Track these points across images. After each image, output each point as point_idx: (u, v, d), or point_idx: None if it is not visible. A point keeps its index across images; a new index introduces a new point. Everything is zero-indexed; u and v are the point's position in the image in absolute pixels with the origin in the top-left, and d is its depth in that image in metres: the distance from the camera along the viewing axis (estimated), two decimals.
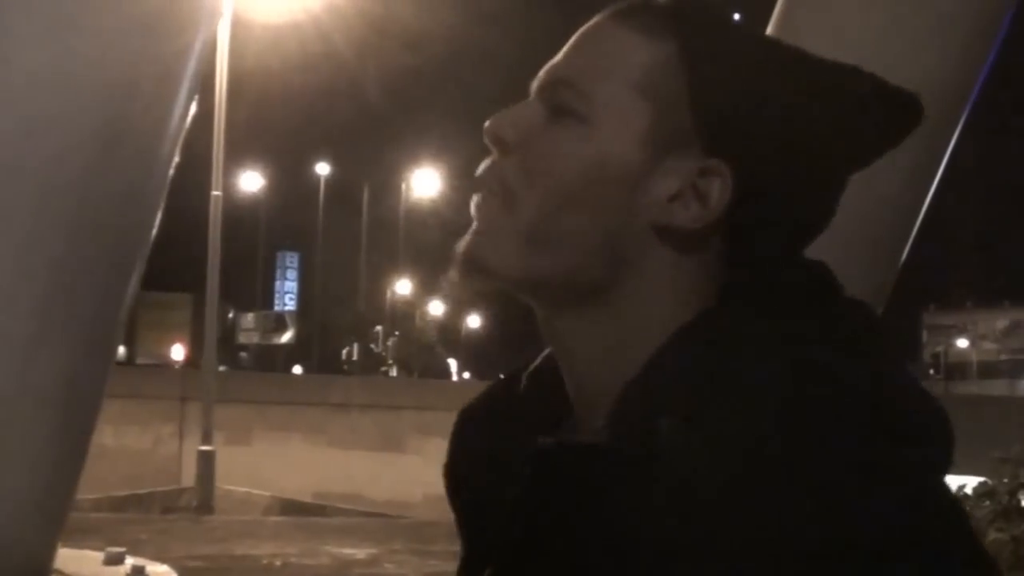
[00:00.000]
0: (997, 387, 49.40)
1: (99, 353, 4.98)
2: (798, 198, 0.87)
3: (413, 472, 22.70)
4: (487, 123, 0.90)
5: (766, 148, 0.85)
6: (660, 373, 0.81)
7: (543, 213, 0.87)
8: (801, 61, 0.88)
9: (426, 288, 58.39)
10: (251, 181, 50.11)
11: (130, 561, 9.18)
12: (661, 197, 0.85)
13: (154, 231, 5.06)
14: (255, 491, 19.60)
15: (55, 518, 5.04)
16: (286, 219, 56.80)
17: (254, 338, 50.40)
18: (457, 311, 62.24)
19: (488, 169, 0.91)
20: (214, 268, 18.87)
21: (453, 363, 58.42)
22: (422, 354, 51.61)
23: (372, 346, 49.49)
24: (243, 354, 49.15)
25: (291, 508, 18.92)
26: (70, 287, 4.59)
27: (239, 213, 43.11)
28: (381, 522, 16.67)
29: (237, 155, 37.53)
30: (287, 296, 61.51)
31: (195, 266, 21.00)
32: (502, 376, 1.02)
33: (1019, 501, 9.16)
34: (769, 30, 5.69)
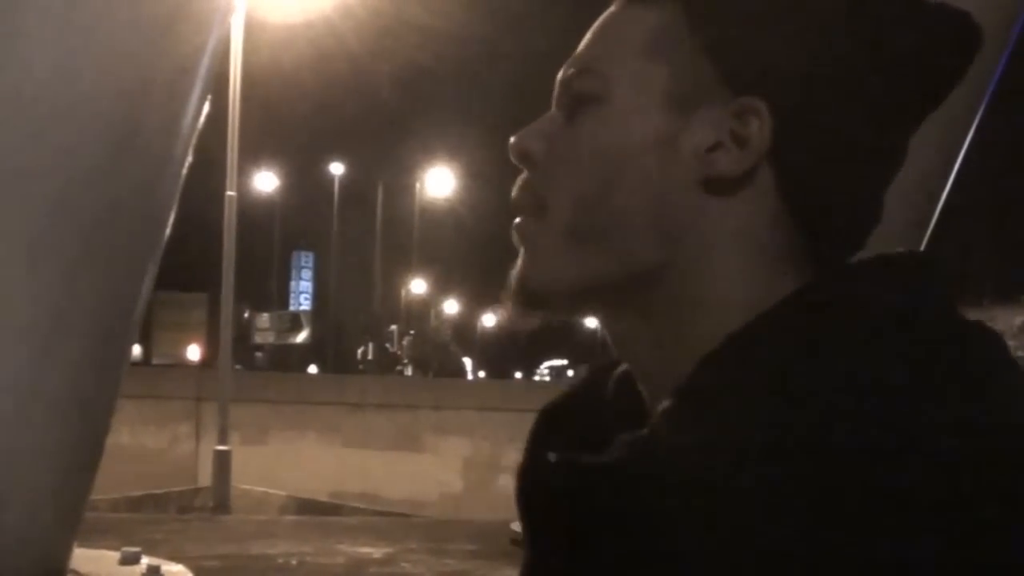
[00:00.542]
0: None
1: (114, 353, 4.99)
2: (846, 125, 0.81)
3: (429, 471, 22.73)
4: (511, 141, 0.87)
5: (795, 73, 0.80)
6: (694, 394, 0.75)
7: (579, 206, 0.82)
8: None
9: (440, 287, 58.48)
10: (265, 181, 50.24)
11: (146, 561, 9.20)
12: (699, 149, 0.81)
13: (167, 230, 5.06)
14: (271, 491, 19.64)
15: (71, 518, 5.05)
16: (301, 219, 56.96)
17: (269, 338, 50.47)
18: (472, 310, 62.29)
19: (518, 187, 0.87)
20: (229, 268, 18.90)
21: (468, 362, 58.46)
22: (437, 353, 51.66)
23: (387, 345, 49.55)
24: (258, 354, 49.22)
25: (307, 507, 18.95)
26: (83, 287, 4.60)
27: (254, 213, 43.21)
28: (397, 521, 16.67)
29: (251, 155, 37.63)
30: (302, 296, 61.61)
31: (210, 266, 21.04)
32: (586, 374, 0.96)
33: None
34: None
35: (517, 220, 0.86)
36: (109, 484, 10.67)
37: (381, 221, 51.02)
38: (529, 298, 0.85)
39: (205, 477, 19.41)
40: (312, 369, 43.29)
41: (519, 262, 0.85)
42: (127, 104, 4.63)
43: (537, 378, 56.94)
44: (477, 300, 62.47)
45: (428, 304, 56.69)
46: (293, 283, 62.31)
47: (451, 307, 62.14)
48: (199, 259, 26.12)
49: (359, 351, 49.28)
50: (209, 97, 5.10)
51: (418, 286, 55.52)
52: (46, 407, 4.61)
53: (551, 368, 63.72)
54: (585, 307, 0.86)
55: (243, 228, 20.65)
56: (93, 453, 5.01)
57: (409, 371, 46.24)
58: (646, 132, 0.82)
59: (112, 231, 4.68)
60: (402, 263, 53.23)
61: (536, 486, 0.80)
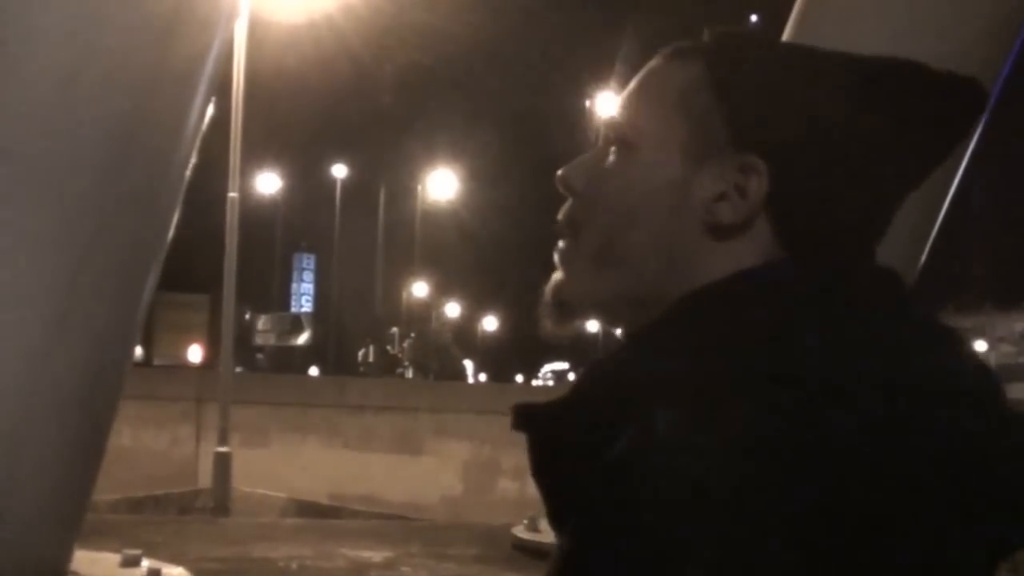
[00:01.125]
0: (1017, 390, 48.94)
1: (117, 354, 4.99)
2: (835, 186, 0.93)
3: (429, 474, 22.71)
4: (558, 173, 1.02)
5: (793, 137, 0.92)
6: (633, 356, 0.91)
7: (605, 235, 0.97)
8: (817, 56, 0.95)
9: (442, 289, 58.45)
10: (268, 183, 50.21)
11: (146, 563, 9.20)
12: (707, 199, 0.94)
13: (171, 232, 5.07)
14: (271, 492, 19.62)
15: (72, 520, 5.05)
16: (303, 221, 56.92)
17: (270, 339, 50.43)
18: (473, 313, 62.28)
19: (562, 213, 1.02)
20: (231, 269, 18.89)
21: (469, 365, 58.43)
22: (438, 356, 51.63)
23: (388, 348, 49.52)
24: (259, 355, 49.19)
25: (307, 510, 18.94)
26: (86, 288, 4.60)
27: (256, 215, 43.17)
28: (397, 524, 16.67)
29: (254, 157, 37.63)
30: (303, 298, 61.60)
31: (212, 267, 21.04)
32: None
33: None
34: (788, 31, 5.67)
35: (559, 243, 1.01)
36: (109, 485, 10.66)
37: (383, 223, 51.03)
38: (561, 308, 1.00)
39: (205, 479, 19.39)
40: (313, 371, 43.27)
41: (555, 277, 1.01)
42: (131, 107, 4.64)
43: (540, 382, 56.88)
44: (478, 303, 62.51)
45: (429, 307, 56.65)
46: (294, 285, 62.29)
47: (452, 310, 62.11)
48: (200, 260, 26.11)
49: (360, 353, 49.25)
50: (213, 99, 5.10)
51: (419, 288, 55.49)
52: (48, 408, 4.61)
53: (553, 372, 63.69)
54: (606, 317, 1.01)
55: (245, 229, 20.65)
56: (95, 454, 5.02)
57: (410, 374, 46.21)
58: (664, 179, 0.96)
59: (116, 233, 4.69)
60: (404, 265, 53.23)
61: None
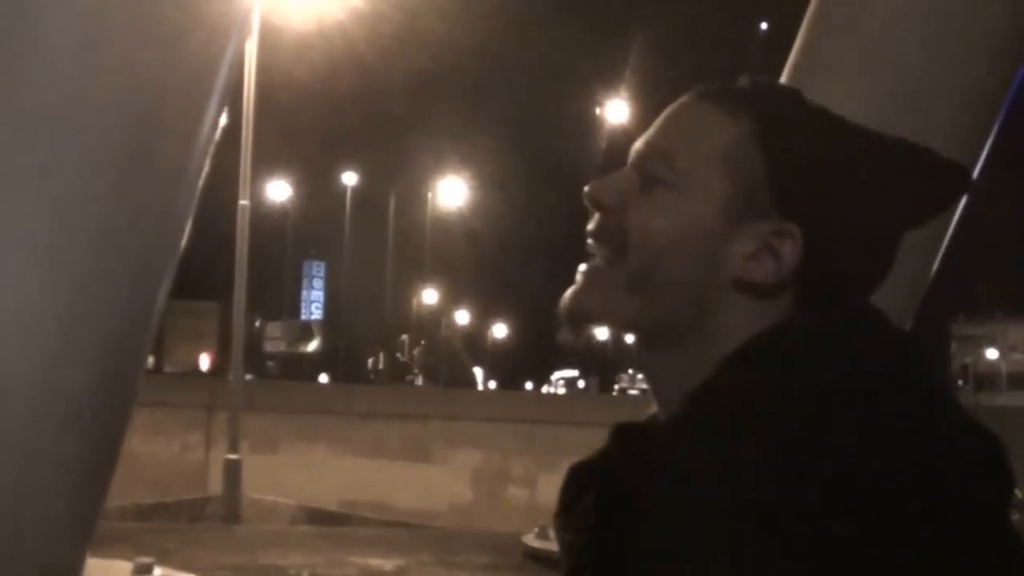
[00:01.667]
0: None
1: (129, 363, 5.00)
2: (861, 253, 1.01)
3: (439, 481, 22.71)
4: (587, 188, 1.05)
5: (831, 212, 0.99)
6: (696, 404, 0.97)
7: (642, 267, 1.01)
8: (863, 136, 1.02)
9: (452, 296, 58.44)
10: (278, 191, 50.31)
11: (158, 571, 9.20)
12: (740, 256, 1.00)
13: (183, 241, 5.08)
14: (281, 500, 19.63)
15: (84, 528, 5.06)
16: (313, 228, 57.02)
17: (280, 347, 50.52)
18: (483, 320, 62.23)
19: (596, 226, 1.05)
20: (241, 277, 18.92)
21: (479, 372, 58.43)
22: (448, 363, 51.63)
23: (398, 355, 49.57)
24: (270, 363, 49.27)
25: (317, 517, 18.94)
26: (99, 298, 4.62)
27: (266, 222, 43.25)
28: (407, 532, 16.66)
29: (264, 165, 37.70)
30: (314, 305, 61.70)
31: (222, 275, 21.07)
32: (610, 434, 1.12)
33: None
34: (794, 53, 5.66)
35: (591, 261, 1.05)
36: (119, 492, 10.68)
37: (393, 230, 51.09)
38: (582, 320, 1.05)
39: (215, 486, 19.40)
40: (323, 378, 43.30)
41: (575, 289, 1.05)
42: (144, 116, 4.65)
43: (553, 389, 56.83)
44: (488, 310, 62.48)
45: (439, 314, 56.67)
46: (304, 292, 62.40)
47: (462, 317, 62.11)
48: (211, 268, 26.15)
49: (370, 361, 49.29)
50: (226, 108, 5.12)
51: (429, 296, 55.52)
52: (62, 416, 4.63)
53: (563, 379, 63.64)
54: (623, 330, 1.06)
55: (255, 237, 20.67)
56: (108, 462, 5.02)
57: (420, 381, 46.22)
58: (702, 229, 1.00)
59: (129, 242, 4.70)
60: (413, 273, 53.27)
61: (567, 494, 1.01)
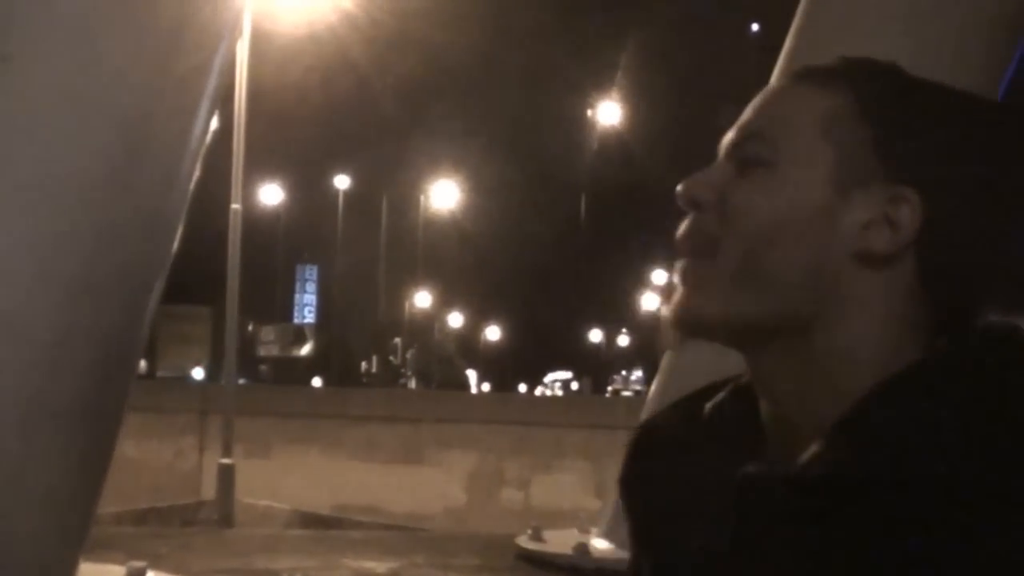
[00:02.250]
0: None
1: (121, 369, 4.99)
2: (986, 222, 0.94)
3: (433, 484, 22.69)
4: (680, 187, 0.98)
5: (947, 172, 0.94)
6: (869, 420, 0.89)
7: (746, 256, 0.95)
8: (968, 97, 0.98)
9: (444, 300, 58.42)
10: (270, 194, 50.27)
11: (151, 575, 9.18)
12: (855, 227, 0.94)
13: (175, 246, 5.07)
14: (275, 504, 19.61)
15: (77, 534, 5.05)
16: (305, 232, 56.91)
17: (273, 351, 50.43)
18: (476, 323, 62.24)
19: (687, 228, 0.98)
20: (234, 281, 18.90)
21: (472, 375, 58.41)
22: (441, 366, 51.62)
23: (391, 358, 49.51)
24: (262, 367, 49.20)
25: (311, 521, 18.91)
26: (91, 302, 4.61)
27: (258, 226, 43.19)
28: (401, 535, 16.64)
29: (256, 168, 37.65)
30: (306, 309, 61.57)
31: (214, 279, 21.06)
32: (684, 399, 1.07)
33: None
34: (789, 41, 5.68)
35: (684, 260, 0.98)
36: (112, 497, 10.66)
37: (385, 234, 51.07)
38: (692, 327, 0.98)
39: (209, 490, 19.38)
40: (316, 382, 43.26)
41: (679, 294, 0.98)
42: (135, 120, 4.64)
43: (548, 391, 56.81)
44: (481, 313, 62.45)
45: (432, 317, 56.66)
46: (297, 296, 62.26)
47: (455, 320, 62.10)
48: (203, 272, 26.12)
49: (363, 364, 49.25)
50: (217, 112, 5.11)
51: (422, 299, 55.51)
52: (53, 420, 4.62)
53: (557, 380, 63.62)
54: (737, 341, 0.98)
55: (247, 241, 20.64)
56: (101, 467, 5.01)
57: (413, 384, 46.19)
58: (810, 203, 0.94)
59: (120, 246, 4.69)
60: (406, 276, 53.24)
61: (742, 495, 0.92)
